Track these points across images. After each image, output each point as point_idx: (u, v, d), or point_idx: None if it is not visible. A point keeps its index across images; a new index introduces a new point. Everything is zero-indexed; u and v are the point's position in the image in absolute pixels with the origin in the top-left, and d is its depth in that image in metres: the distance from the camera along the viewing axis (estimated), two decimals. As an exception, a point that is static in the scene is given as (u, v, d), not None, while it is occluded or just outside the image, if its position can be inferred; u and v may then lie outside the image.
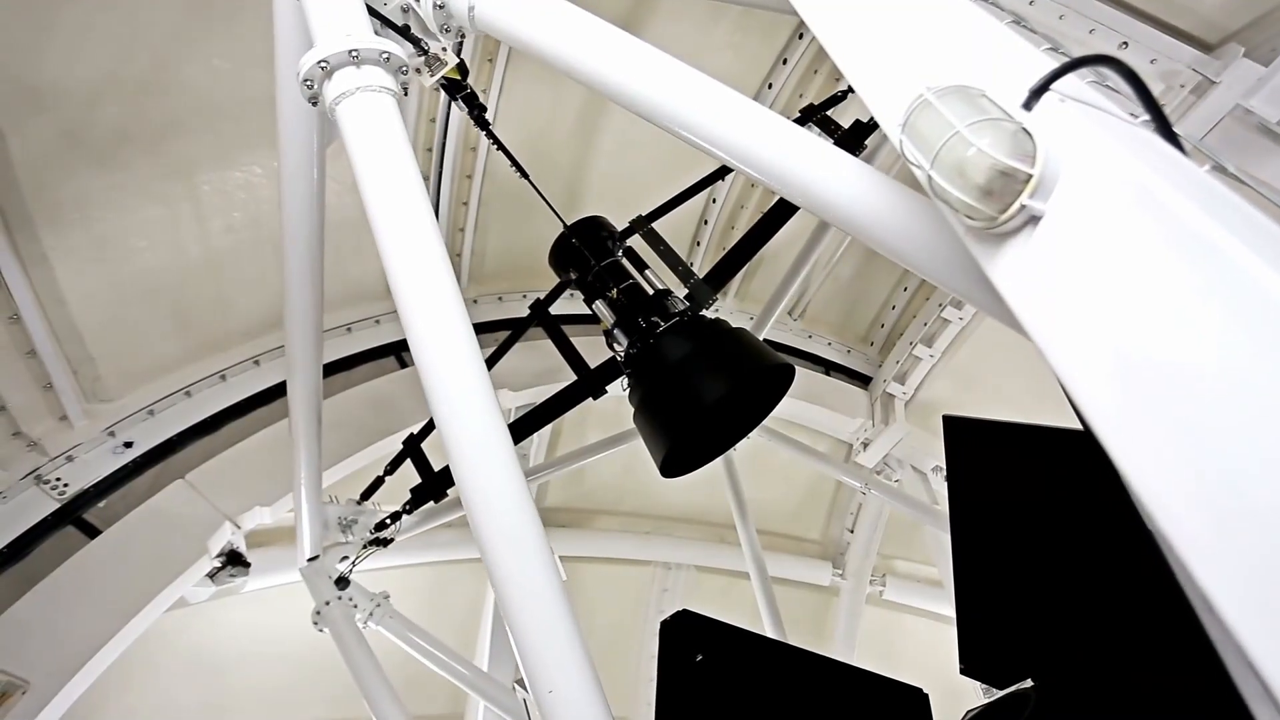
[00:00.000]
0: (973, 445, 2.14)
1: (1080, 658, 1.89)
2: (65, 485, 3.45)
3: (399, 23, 2.10)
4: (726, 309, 5.96)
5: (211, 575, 3.72)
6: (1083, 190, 0.77)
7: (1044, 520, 1.98)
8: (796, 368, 2.69)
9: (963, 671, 2.07)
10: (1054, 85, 0.94)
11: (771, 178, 1.48)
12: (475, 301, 5.05)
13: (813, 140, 1.46)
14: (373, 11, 1.98)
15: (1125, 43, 3.66)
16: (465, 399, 1.52)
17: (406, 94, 1.88)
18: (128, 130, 3.22)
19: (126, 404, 3.76)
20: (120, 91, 3.12)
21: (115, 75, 3.07)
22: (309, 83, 1.79)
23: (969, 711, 2.10)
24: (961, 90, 0.96)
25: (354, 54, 1.76)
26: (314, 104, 1.83)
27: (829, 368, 6.06)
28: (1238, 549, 0.52)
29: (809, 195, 1.40)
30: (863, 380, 6.13)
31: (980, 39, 1.16)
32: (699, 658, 2.25)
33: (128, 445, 3.69)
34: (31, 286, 3.20)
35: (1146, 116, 1.00)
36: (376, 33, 1.95)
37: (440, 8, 2.07)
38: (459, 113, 4.30)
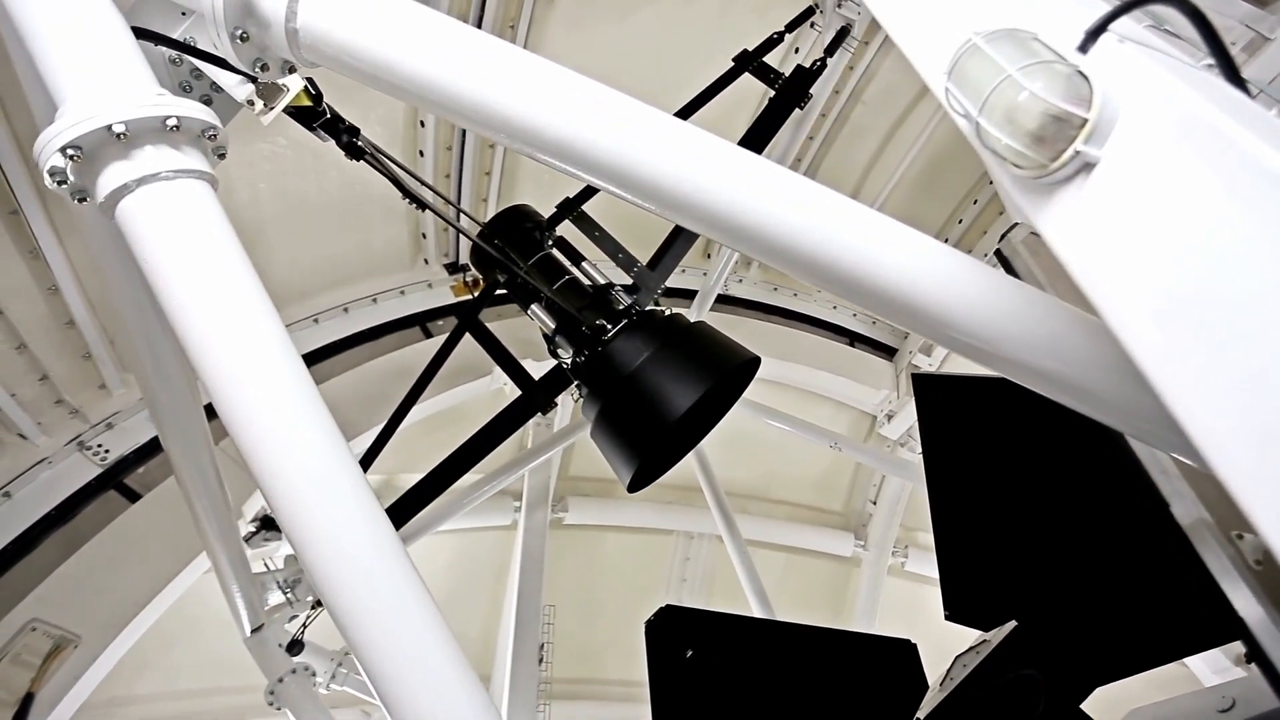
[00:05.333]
0: (942, 401, 2.15)
1: (1059, 594, 1.94)
2: (106, 451, 3.56)
3: (208, 43, 1.40)
4: (750, 279, 5.90)
5: (247, 539, 3.83)
6: (1144, 133, 0.73)
7: (1014, 466, 2.02)
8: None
9: (948, 618, 2.12)
10: (1111, 26, 0.89)
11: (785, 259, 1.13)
12: (498, 272, 5.07)
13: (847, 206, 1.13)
14: (150, 36, 1.36)
15: (1174, -5, 3.48)
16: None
17: (225, 158, 1.31)
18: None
19: (162, 373, 3.85)
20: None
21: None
22: (56, 176, 1.18)
23: (959, 656, 2.14)
24: (1012, 34, 0.92)
25: (118, 130, 1.13)
26: (81, 201, 1.22)
27: (853, 339, 5.99)
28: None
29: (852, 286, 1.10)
30: (888, 352, 6.06)
31: (1030, -18, 1.10)
32: (689, 654, 2.25)
33: (164, 413, 3.79)
34: (68, 257, 3.26)
35: (1210, 61, 0.95)
36: (173, 66, 1.41)
37: (244, 40, 1.36)
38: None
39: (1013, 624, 1.97)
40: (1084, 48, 0.88)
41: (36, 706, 2.85)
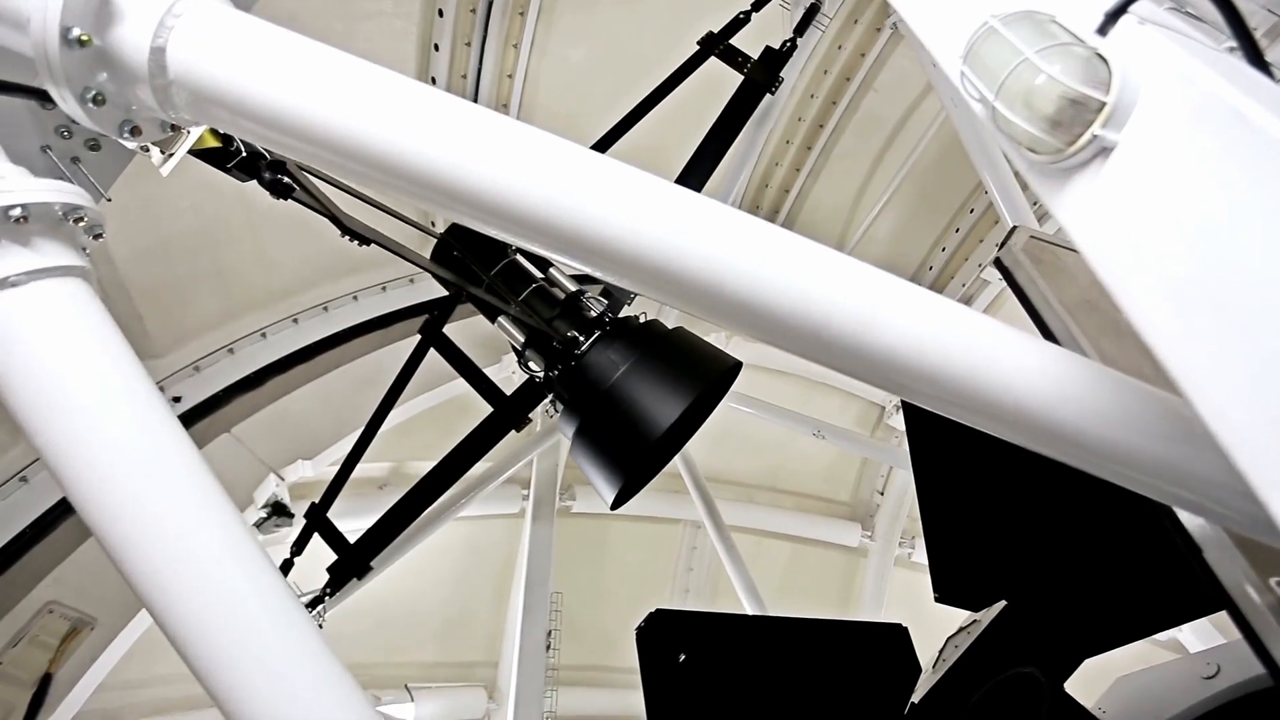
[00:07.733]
0: None
1: (1047, 571, 1.96)
2: (120, 437, 3.60)
3: (80, 92, 1.03)
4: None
5: (258, 525, 3.88)
6: (1164, 117, 0.72)
7: (999, 447, 2.03)
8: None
9: (937, 600, 2.14)
10: (1131, 8, 0.88)
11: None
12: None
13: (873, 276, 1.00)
14: None
15: (1194, -21, 3.41)
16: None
17: (101, 237, 1.09)
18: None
19: (173, 360, 3.89)
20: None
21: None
22: None
23: (950, 637, 2.15)
24: (1029, 15, 0.90)
25: None
26: None
27: (863, 329, 5.96)
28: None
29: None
30: (897, 342, 6.03)
31: (1047, -36, 1.08)
32: (682, 657, 2.25)
33: (176, 400, 3.82)
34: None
35: (1232, 44, 0.93)
36: (45, 110, 1.20)
37: (98, 103, 1.03)
38: (494, 47, 4.19)
39: (1002, 603, 1.99)
40: (1103, 30, 0.86)
41: (55, 687, 2.90)
